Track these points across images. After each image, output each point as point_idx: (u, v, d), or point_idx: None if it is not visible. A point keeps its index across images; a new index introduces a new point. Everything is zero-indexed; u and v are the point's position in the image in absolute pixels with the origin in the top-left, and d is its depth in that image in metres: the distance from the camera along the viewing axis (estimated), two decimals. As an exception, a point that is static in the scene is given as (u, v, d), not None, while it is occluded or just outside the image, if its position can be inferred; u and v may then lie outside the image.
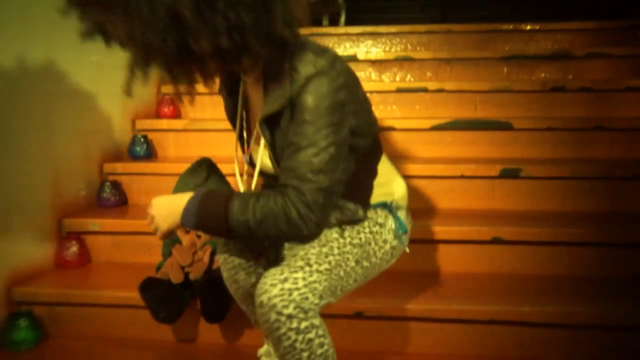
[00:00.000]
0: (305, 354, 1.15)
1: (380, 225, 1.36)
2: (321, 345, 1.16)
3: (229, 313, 1.69)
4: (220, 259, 1.43)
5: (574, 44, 2.98)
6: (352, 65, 2.87)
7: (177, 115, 2.75)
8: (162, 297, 1.64)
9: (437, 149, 2.34)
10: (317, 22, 3.73)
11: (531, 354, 1.62)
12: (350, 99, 1.18)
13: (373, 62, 2.88)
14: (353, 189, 1.30)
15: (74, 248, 2.04)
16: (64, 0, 1.07)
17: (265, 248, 1.43)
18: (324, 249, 1.25)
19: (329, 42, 3.20)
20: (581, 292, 1.71)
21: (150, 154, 2.51)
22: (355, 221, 1.32)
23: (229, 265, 1.40)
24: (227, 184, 1.49)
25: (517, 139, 2.29)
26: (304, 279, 1.15)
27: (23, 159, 1.92)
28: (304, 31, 1.17)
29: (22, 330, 1.73)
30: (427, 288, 1.76)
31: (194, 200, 1.20)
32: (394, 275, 1.65)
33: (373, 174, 1.36)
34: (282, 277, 1.14)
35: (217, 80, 1.23)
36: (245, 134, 1.38)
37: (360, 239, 1.32)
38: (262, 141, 1.26)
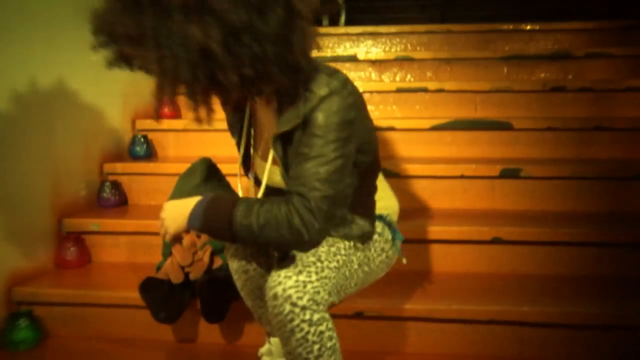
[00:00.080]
0: (316, 347, 1.18)
1: (379, 234, 1.44)
2: (330, 338, 1.20)
3: (229, 313, 1.69)
4: (230, 249, 1.42)
5: (574, 44, 2.98)
6: (352, 65, 2.92)
7: (177, 115, 2.75)
8: (162, 297, 1.64)
9: (437, 149, 2.34)
10: (317, 22, 3.71)
11: (531, 354, 1.62)
12: (358, 118, 1.24)
13: (373, 62, 2.88)
14: (360, 204, 1.37)
15: (74, 248, 2.04)
16: (93, 36, 1.12)
17: None
18: (332, 249, 1.31)
19: (329, 42, 3.20)
20: (581, 292, 1.71)
21: (150, 154, 2.52)
22: (364, 235, 1.38)
23: (240, 255, 1.40)
24: (227, 184, 1.49)
25: (517, 139, 2.29)
26: (316, 273, 1.20)
27: (23, 159, 1.92)
28: None
29: (22, 330, 1.73)
30: (427, 288, 1.76)
31: (201, 204, 1.24)
32: (394, 275, 1.65)
33: (374, 189, 1.44)
34: (297, 270, 1.18)
35: None
36: (251, 150, 1.43)
37: (362, 243, 1.38)
38: (270, 158, 1.32)
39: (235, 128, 1.44)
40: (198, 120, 1.15)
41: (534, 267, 1.86)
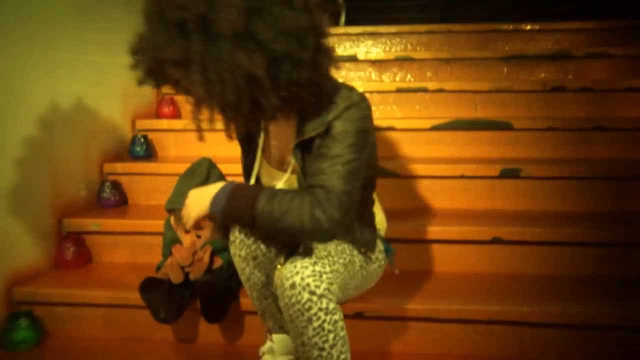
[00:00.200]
0: (331, 335, 1.23)
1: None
2: (342, 328, 1.26)
3: (229, 313, 1.69)
4: (236, 240, 1.41)
5: (574, 44, 2.98)
6: (352, 65, 2.93)
7: (177, 115, 2.75)
8: (162, 297, 1.63)
9: (437, 148, 2.34)
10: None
11: (531, 354, 1.62)
12: (370, 130, 1.37)
13: (373, 62, 2.88)
14: (362, 214, 1.46)
15: (74, 248, 2.04)
16: (133, 57, 1.21)
17: None
18: (339, 248, 1.39)
19: (328, 42, 3.20)
20: (581, 292, 1.71)
21: (150, 154, 2.51)
22: (367, 243, 1.46)
23: (248, 241, 1.40)
24: (228, 184, 1.49)
25: (517, 139, 2.29)
26: (329, 265, 1.27)
27: (23, 159, 1.92)
28: None
29: (22, 330, 1.73)
30: (427, 288, 1.76)
31: (226, 187, 1.32)
32: (394, 275, 1.65)
33: (373, 202, 1.54)
34: (312, 260, 1.24)
35: None
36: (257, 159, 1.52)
37: (364, 250, 1.47)
38: (290, 168, 1.41)
39: (244, 137, 1.52)
40: (229, 136, 1.32)
41: (534, 267, 1.86)
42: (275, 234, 1.36)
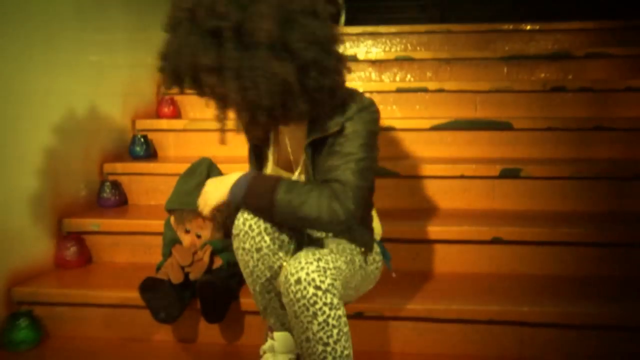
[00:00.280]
0: (335, 331, 1.26)
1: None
2: (346, 324, 1.29)
3: (229, 313, 1.68)
4: (240, 233, 1.41)
5: (574, 44, 2.98)
6: (352, 65, 2.89)
7: (177, 115, 2.75)
8: (162, 297, 1.63)
9: (437, 148, 2.34)
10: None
11: (531, 354, 1.62)
12: (378, 132, 1.43)
13: (373, 62, 2.88)
14: (366, 218, 1.53)
15: (74, 248, 2.04)
16: (162, 62, 1.27)
17: None
18: (340, 246, 1.44)
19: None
20: (581, 292, 1.71)
21: (150, 154, 2.51)
22: (366, 244, 1.51)
23: (253, 232, 1.39)
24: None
25: (517, 139, 2.29)
26: (332, 262, 1.30)
27: (23, 159, 1.92)
28: None
29: (22, 330, 1.73)
30: (427, 288, 1.76)
31: (246, 176, 1.37)
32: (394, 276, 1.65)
33: (372, 205, 1.58)
34: (315, 257, 1.27)
35: None
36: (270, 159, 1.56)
37: (364, 250, 1.52)
38: (300, 167, 1.46)
39: (261, 140, 1.56)
40: (256, 140, 1.44)
41: (534, 267, 1.86)
42: (292, 224, 1.39)
